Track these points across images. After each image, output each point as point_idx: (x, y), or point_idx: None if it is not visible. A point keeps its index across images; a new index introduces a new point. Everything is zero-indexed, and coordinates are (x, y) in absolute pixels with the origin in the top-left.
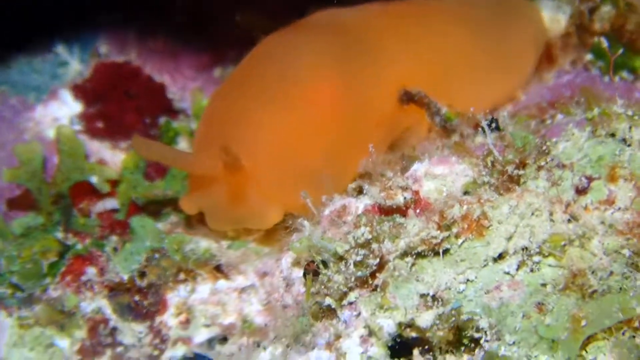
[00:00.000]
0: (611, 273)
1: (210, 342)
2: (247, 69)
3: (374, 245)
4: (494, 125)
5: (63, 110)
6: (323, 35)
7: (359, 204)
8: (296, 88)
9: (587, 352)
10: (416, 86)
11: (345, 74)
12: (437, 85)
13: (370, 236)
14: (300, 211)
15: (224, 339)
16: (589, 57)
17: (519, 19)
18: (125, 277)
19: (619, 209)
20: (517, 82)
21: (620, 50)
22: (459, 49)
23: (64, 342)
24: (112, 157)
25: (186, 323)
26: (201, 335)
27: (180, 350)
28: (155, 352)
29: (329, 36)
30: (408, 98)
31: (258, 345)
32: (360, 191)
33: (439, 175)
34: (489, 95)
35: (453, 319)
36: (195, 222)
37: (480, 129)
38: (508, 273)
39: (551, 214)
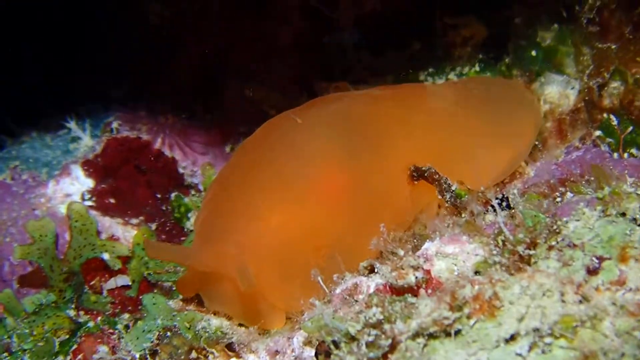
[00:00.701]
0: (623, 355)
1: None
2: (251, 157)
3: (386, 326)
4: (504, 203)
5: (75, 186)
6: (328, 124)
7: (371, 283)
8: (304, 182)
9: None
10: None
11: (353, 164)
12: (439, 167)
13: (382, 316)
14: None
15: None
16: (598, 133)
17: (517, 100)
18: (137, 355)
19: (630, 289)
20: (516, 159)
21: (630, 128)
22: (460, 130)
23: None
24: (123, 232)
25: None
26: None
27: None
28: None
29: (334, 125)
30: (419, 174)
31: None
32: (371, 270)
33: (450, 255)
34: (489, 173)
35: None
36: None
37: (490, 207)
38: (520, 355)
39: (562, 294)
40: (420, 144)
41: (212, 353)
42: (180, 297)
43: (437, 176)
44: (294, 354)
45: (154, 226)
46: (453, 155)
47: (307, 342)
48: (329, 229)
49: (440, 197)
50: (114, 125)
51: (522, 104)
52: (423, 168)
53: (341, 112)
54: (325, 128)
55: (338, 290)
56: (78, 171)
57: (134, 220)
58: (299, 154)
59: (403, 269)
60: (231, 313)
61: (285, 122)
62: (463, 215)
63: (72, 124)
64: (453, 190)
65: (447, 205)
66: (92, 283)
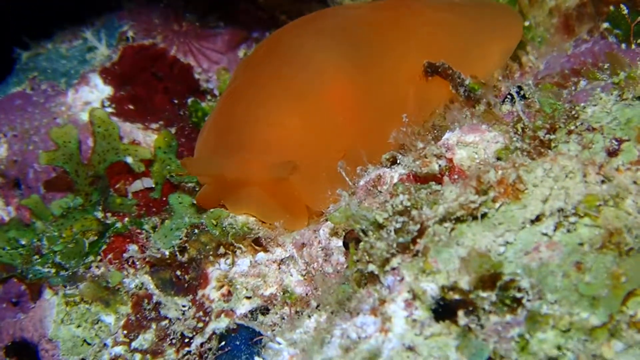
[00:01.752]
0: None
1: (252, 313)
2: (260, 70)
3: (414, 212)
4: (521, 92)
5: (94, 94)
6: (333, 35)
7: (394, 174)
8: (315, 91)
9: (627, 307)
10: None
11: (359, 73)
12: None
13: (409, 203)
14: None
15: (266, 310)
16: (605, 25)
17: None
18: (167, 252)
19: None
20: (506, 52)
21: (639, 18)
22: (456, 34)
23: (109, 318)
24: (144, 137)
25: (228, 295)
26: (243, 307)
27: (224, 322)
28: (200, 325)
29: (339, 36)
30: (433, 70)
31: (300, 314)
32: (393, 161)
33: (471, 143)
34: (487, 69)
35: (495, 280)
36: None
37: (507, 96)
38: (546, 234)
39: (585, 175)
40: (424, 49)
41: (240, 248)
42: None
43: (451, 71)
44: (320, 245)
45: (173, 130)
46: (453, 58)
47: (334, 234)
48: (345, 134)
49: (454, 91)
50: (129, 34)
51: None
52: (437, 64)
53: (345, 23)
54: (330, 40)
55: (362, 182)
56: (96, 79)
57: (154, 125)
58: (307, 66)
59: (426, 157)
60: (257, 215)
61: (291, 35)
62: (478, 107)
63: (88, 34)
64: (467, 84)
65: (461, 99)
66: (117, 186)
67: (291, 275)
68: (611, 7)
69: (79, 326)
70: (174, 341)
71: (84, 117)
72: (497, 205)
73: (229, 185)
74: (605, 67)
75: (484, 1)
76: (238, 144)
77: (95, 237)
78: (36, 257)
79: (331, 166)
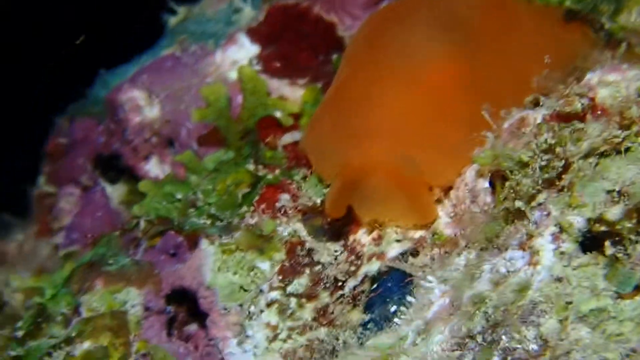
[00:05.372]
0: None
1: (403, 256)
2: (366, 59)
3: (558, 149)
4: None
5: (241, 53)
6: (440, 26)
7: (537, 115)
8: (427, 71)
9: None
10: None
11: (471, 60)
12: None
13: (553, 141)
14: None
15: (415, 252)
16: None
17: None
18: (319, 200)
19: None
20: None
21: None
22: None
23: (265, 265)
24: (291, 93)
25: (379, 239)
26: (394, 250)
27: (375, 265)
28: (352, 268)
29: (444, 27)
30: (571, 16)
31: (449, 254)
32: (536, 104)
33: (613, 82)
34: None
35: None
36: None
37: None
38: None
39: None
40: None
41: None
42: None
43: (590, 16)
44: (467, 187)
45: (319, 85)
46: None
47: (480, 175)
48: (459, 108)
49: (594, 35)
50: None
51: None
52: (575, 9)
53: (452, 14)
54: (436, 37)
55: (506, 125)
56: (244, 39)
57: (301, 81)
58: (420, 54)
59: (569, 96)
60: (388, 210)
61: (395, 29)
62: (619, 49)
63: None
64: (607, 28)
65: (601, 43)
66: (267, 140)
67: (440, 217)
68: None
69: (235, 273)
70: (327, 285)
71: (233, 75)
72: None
73: (355, 178)
74: None
75: None
76: (359, 131)
77: (248, 189)
78: (192, 209)
79: (455, 139)
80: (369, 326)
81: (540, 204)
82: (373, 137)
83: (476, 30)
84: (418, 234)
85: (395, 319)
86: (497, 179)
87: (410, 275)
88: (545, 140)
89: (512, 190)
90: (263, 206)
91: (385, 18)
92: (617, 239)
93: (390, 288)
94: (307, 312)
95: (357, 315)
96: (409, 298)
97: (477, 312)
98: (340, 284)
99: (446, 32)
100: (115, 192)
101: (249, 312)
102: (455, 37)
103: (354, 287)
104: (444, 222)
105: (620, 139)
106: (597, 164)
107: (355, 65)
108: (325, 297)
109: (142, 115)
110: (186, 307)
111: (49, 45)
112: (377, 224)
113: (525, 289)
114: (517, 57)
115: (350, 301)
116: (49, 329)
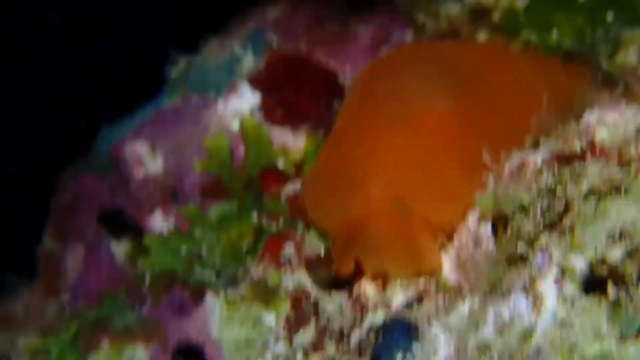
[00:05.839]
0: None
1: (407, 305)
2: (363, 110)
3: (559, 191)
4: None
5: (243, 102)
6: (435, 76)
7: (537, 157)
8: (423, 116)
9: None
10: None
11: (464, 104)
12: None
13: (553, 183)
14: None
15: (420, 300)
16: None
17: None
18: (322, 249)
19: None
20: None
21: None
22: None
23: (270, 317)
24: (293, 140)
25: (383, 289)
26: (398, 298)
27: (381, 314)
28: (358, 319)
29: (439, 75)
30: (569, 57)
31: (454, 302)
32: (536, 144)
33: (611, 122)
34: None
35: None
36: None
37: None
38: None
39: None
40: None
41: None
42: None
43: (587, 58)
44: (470, 232)
45: (321, 133)
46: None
47: (482, 219)
48: (454, 153)
49: (592, 76)
50: (274, 42)
51: None
52: (571, 54)
53: (446, 63)
54: (431, 83)
55: (506, 167)
56: (245, 88)
57: (303, 128)
58: (417, 99)
59: (568, 137)
60: (392, 258)
61: (388, 78)
62: (617, 89)
63: (235, 46)
64: (604, 69)
65: (598, 83)
66: (270, 190)
67: (443, 263)
68: None
69: (241, 327)
70: (333, 336)
71: (235, 125)
72: None
73: (355, 231)
74: None
75: None
76: (355, 179)
77: (252, 240)
78: (197, 263)
79: (453, 182)
80: None
81: (542, 248)
82: (369, 185)
83: (471, 75)
84: (422, 281)
85: None
86: (500, 222)
87: (416, 324)
88: (546, 182)
89: (514, 234)
90: (267, 257)
91: (380, 67)
92: (619, 280)
93: (396, 337)
94: None
95: None
96: (414, 347)
97: (483, 358)
98: (346, 334)
99: (441, 78)
100: (120, 248)
101: None
102: (450, 82)
103: (360, 338)
104: (448, 268)
105: (619, 179)
106: (597, 205)
107: (350, 113)
108: (331, 349)
109: (145, 169)
110: None
111: (52, 101)
112: (381, 273)
113: (529, 335)
114: (514, 99)
115: (356, 352)
116: None
